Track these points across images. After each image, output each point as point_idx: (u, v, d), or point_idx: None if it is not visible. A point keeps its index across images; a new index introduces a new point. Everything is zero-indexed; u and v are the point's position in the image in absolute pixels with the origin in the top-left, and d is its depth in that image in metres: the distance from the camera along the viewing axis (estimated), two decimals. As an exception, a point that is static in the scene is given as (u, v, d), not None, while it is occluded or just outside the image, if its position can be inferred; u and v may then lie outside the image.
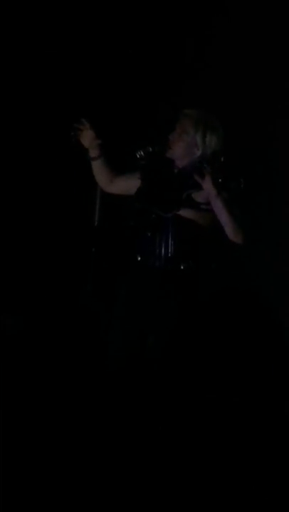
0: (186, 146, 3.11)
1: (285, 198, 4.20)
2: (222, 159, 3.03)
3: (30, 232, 4.35)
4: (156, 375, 3.07)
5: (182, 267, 3.08)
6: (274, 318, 4.17)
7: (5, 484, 2.74)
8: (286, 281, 4.17)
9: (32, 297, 4.34)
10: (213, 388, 3.85)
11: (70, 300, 4.26)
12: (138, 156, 3.08)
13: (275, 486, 2.92)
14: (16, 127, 4.28)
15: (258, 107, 4.14)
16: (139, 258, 3.11)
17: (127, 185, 3.23)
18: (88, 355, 3.85)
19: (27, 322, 4.25)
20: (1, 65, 4.20)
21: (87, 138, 3.19)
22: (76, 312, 4.14)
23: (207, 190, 2.97)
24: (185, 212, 3.07)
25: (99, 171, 3.26)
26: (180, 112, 3.16)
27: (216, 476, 3.02)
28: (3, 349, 3.88)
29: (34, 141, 4.33)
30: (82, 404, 3.41)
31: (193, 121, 3.10)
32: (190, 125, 3.10)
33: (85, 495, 2.79)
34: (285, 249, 4.19)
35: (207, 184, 2.96)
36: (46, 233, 4.36)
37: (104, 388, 3.18)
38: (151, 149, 3.08)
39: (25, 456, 3.02)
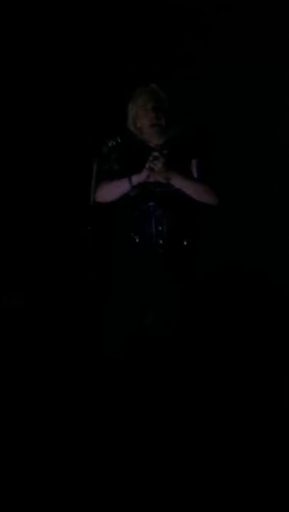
0: (166, 116, 3.09)
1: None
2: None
3: (28, 213, 4.36)
4: (159, 353, 3.04)
5: (185, 243, 3.06)
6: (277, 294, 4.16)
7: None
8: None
9: (32, 276, 4.34)
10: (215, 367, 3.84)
11: (68, 278, 4.24)
12: (110, 145, 3.02)
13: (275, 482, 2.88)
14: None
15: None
16: (137, 240, 3.07)
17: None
18: (87, 335, 3.81)
19: (27, 300, 4.26)
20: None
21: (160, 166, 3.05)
22: (75, 291, 4.14)
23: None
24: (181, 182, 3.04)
25: (122, 192, 3.12)
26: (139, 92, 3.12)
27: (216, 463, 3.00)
28: (3, 327, 3.89)
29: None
30: (82, 383, 3.42)
31: (156, 91, 3.09)
32: (160, 95, 3.08)
33: (79, 481, 2.79)
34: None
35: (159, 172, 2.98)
36: (44, 214, 4.37)
37: (103, 369, 3.15)
38: (119, 140, 3.03)
39: (23, 428, 3.10)
